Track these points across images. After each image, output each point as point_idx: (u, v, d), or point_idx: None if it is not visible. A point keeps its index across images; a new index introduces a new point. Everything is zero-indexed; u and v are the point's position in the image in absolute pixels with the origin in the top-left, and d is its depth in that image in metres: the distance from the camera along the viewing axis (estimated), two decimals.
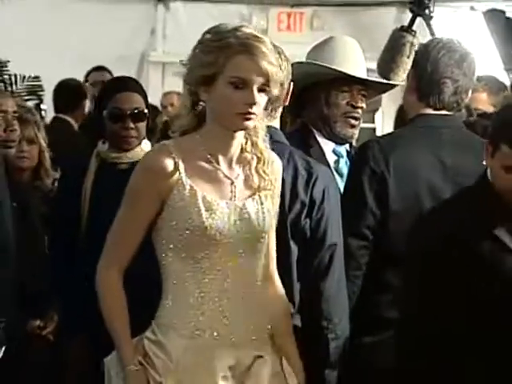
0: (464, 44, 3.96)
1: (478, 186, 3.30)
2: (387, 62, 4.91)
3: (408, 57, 4.98)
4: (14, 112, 4.88)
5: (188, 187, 2.96)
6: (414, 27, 5.54)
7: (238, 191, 3.04)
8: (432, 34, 4.85)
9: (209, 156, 3.01)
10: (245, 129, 2.99)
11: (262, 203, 3.05)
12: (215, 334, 3.02)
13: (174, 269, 3.04)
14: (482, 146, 3.90)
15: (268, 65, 2.91)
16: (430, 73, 3.82)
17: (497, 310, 3.16)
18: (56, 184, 4.89)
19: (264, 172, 3.08)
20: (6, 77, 6.90)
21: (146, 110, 4.32)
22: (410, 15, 9.27)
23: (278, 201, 3.14)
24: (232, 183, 3.03)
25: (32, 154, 4.97)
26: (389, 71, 4.84)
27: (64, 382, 4.40)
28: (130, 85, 4.46)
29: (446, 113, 3.85)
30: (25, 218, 4.54)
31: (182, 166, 2.97)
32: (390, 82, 4.52)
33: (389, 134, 5.11)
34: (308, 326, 3.42)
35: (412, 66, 3.96)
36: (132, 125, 4.26)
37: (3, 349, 3.95)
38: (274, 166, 3.14)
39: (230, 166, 3.05)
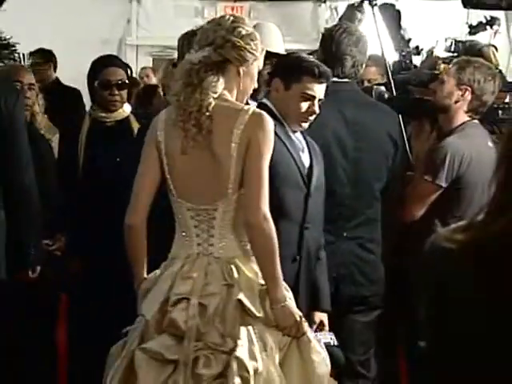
0: (359, 29, 4.01)
1: None
2: None
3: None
4: (31, 84, 4.59)
5: None
6: None
7: None
8: (373, 14, 4.92)
9: None
10: None
11: None
12: None
13: None
14: (372, 104, 4.02)
15: None
16: (335, 51, 3.80)
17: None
18: (53, 144, 4.71)
19: None
20: (16, 55, 6.84)
21: (127, 81, 4.34)
22: (323, 9, 9.38)
23: None
24: None
25: None
26: None
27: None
28: (116, 61, 4.48)
29: (346, 80, 3.83)
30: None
31: None
32: None
33: None
34: None
35: (320, 45, 3.92)
36: (117, 92, 4.27)
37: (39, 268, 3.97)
38: None
39: None
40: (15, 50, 6.62)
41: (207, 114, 2.82)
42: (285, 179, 3.37)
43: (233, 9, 9.51)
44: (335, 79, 3.81)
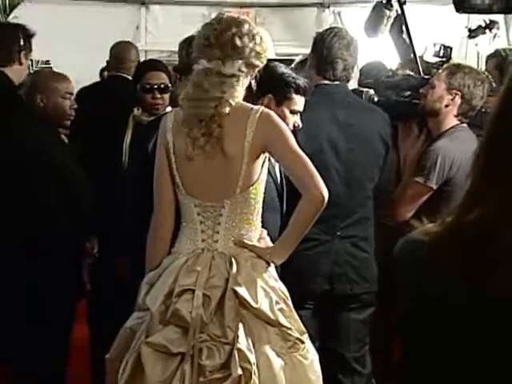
0: (350, 32, 3.93)
1: None
2: (371, 27, 5.08)
3: (385, 25, 5.08)
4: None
5: None
6: None
7: None
8: (403, 13, 4.92)
9: None
10: None
11: None
12: None
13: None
14: (364, 105, 4.00)
15: None
16: (326, 55, 3.78)
17: None
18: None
19: None
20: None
21: (169, 85, 4.22)
22: (327, 14, 9.35)
23: None
24: None
25: None
26: (372, 33, 5.09)
27: None
28: (158, 65, 4.38)
29: (337, 83, 3.79)
30: None
31: None
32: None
33: None
34: None
35: (312, 49, 3.88)
36: (159, 95, 4.19)
37: None
38: None
39: None
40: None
41: (218, 122, 2.80)
42: (266, 203, 3.11)
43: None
44: (327, 82, 3.82)
